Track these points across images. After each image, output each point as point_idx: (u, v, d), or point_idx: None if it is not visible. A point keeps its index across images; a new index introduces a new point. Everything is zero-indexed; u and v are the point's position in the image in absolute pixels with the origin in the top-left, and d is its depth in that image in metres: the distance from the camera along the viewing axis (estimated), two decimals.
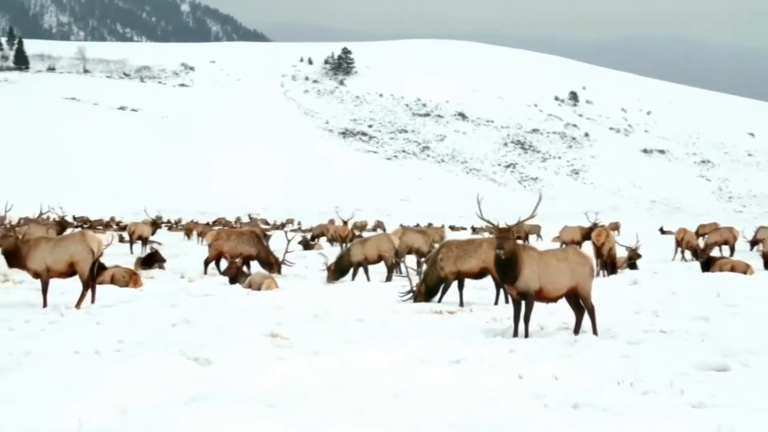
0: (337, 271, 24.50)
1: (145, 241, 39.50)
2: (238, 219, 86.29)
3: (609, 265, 27.56)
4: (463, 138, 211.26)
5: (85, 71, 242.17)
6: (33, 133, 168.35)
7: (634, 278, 24.68)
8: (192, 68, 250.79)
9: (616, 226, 63.80)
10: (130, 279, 20.82)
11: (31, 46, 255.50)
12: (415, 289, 19.35)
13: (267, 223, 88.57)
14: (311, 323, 14.94)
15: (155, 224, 41.75)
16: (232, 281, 22.29)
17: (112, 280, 20.74)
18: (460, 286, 19.38)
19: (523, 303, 13.92)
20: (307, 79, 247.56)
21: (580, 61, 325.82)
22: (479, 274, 19.30)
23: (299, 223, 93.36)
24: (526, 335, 13.85)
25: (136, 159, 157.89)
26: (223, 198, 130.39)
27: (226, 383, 9.40)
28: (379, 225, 75.56)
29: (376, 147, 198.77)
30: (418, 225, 77.82)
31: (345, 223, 39.47)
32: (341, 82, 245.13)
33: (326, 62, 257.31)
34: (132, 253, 36.57)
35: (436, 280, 19.28)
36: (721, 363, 10.89)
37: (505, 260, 13.64)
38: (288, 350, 11.68)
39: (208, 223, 72.81)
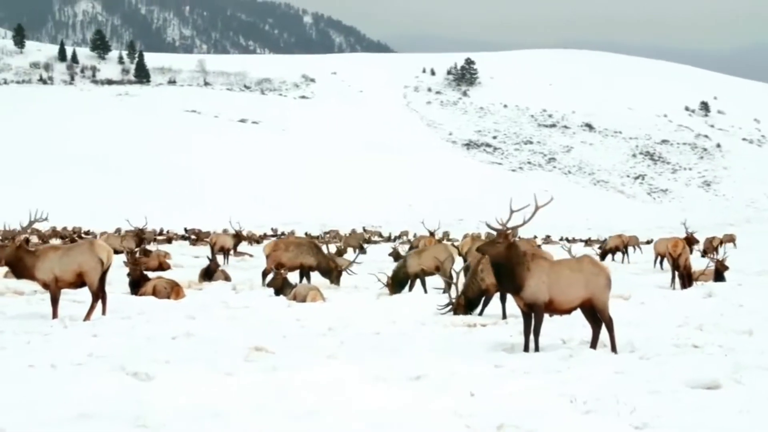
0: (395, 283, 23.61)
1: (227, 252, 39.58)
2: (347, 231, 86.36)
3: (685, 277, 26.48)
4: (590, 149, 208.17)
5: (206, 84, 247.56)
6: (154, 146, 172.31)
7: (710, 291, 23.31)
8: (313, 80, 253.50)
9: (731, 238, 61.53)
10: (171, 290, 20.53)
11: (151, 59, 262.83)
12: (455, 301, 18.60)
13: (381, 236, 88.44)
14: (316, 337, 14.44)
15: (238, 236, 41.76)
16: (278, 293, 21.88)
17: (154, 292, 20.49)
18: (503, 298, 18.45)
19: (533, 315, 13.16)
20: (429, 90, 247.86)
21: (711, 70, 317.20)
22: None
23: (414, 235, 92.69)
24: (537, 349, 13.06)
25: (256, 171, 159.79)
26: (344, 210, 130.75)
27: (139, 400, 8.88)
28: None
29: (501, 158, 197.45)
30: (535, 237, 76.78)
31: (432, 234, 38.77)
32: (465, 93, 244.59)
33: (449, 73, 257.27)
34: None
35: (477, 291, 18.49)
36: (713, 380, 10.04)
37: (500, 267, 13.00)
38: (250, 364, 11.12)
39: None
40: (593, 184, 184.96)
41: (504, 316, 18.16)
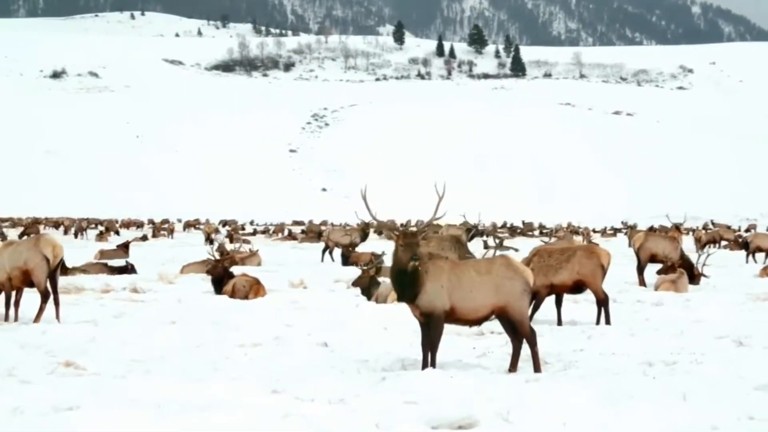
0: None
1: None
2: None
3: None
4: None
5: (581, 76, 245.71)
6: (527, 139, 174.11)
7: None
8: (690, 70, 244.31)
9: None
10: (250, 289, 19.71)
11: (527, 53, 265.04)
12: None
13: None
14: (266, 346, 13.18)
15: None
16: (365, 292, 20.58)
17: (233, 290, 19.77)
18: (557, 302, 16.49)
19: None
20: None
21: None
22: (574, 288, 16.31)
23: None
24: (433, 365, 11.00)
25: (633, 164, 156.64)
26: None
27: None
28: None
29: None
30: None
31: (677, 228, 35.15)
32: None
33: None
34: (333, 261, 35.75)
35: None
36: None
37: (401, 272, 11.07)
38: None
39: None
40: None
41: (559, 323, 16.26)
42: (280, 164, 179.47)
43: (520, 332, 11.16)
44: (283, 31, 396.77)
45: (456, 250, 24.40)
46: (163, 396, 8.91)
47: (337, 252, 35.33)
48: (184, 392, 9.11)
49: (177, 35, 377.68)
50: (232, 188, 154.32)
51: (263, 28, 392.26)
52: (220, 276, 20.65)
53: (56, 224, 74.89)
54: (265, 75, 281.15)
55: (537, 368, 11.13)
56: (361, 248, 35.09)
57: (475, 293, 11.05)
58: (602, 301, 16.07)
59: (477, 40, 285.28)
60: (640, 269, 24.02)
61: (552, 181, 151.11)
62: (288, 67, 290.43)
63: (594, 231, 72.63)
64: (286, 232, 66.99)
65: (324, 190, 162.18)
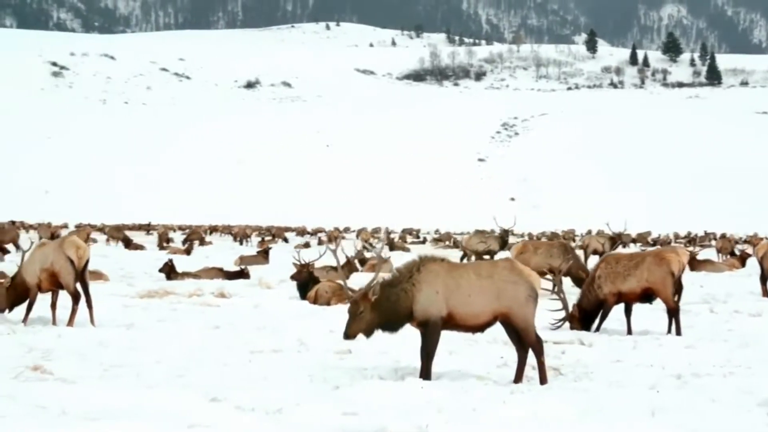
0: None
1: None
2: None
3: None
4: None
5: None
6: (720, 148, 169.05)
7: None
8: None
9: None
10: (333, 295, 19.30)
11: (723, 61, 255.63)
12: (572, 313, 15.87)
13: None
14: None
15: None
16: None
17: (315, 296, 19.41)
18: (627, 311, 15.60)
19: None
20: None
21: None
22: (643, 296, 15.37)
23: None
24: (427, 376, 10.39)
25: None
26: None
27: None
28: None
29: None
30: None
31: None
32: None
33: None
34: None
35: (594, 302, 15.59)
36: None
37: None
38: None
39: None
40: None
41: (629, 332, 15.41)
42: (468, 173, 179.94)
43: (525, 340, 10.50)
44: (476, 41, 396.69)
45: (563, 258, 23.64)
46: (78, 403, 8.77)
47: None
48: (110, 399, 8.92)
49: (371, 45, 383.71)
50: (417, 197, 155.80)
51: (456, 38, 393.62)
52: (304, 281, 20.50)
53: (229, 231, 77.60)
54: (456, 84, 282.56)
55: (543, 380, 10.49)
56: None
57: (474, 297, 10.41)
58: (672, 311, 15.16)
59: (672, 48, 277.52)
60: (763, 279, 22.66)
61: (752, 192, 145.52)
62: (479, 76, 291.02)
63: None
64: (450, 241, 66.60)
65: (512, 199, 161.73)
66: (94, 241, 52.66)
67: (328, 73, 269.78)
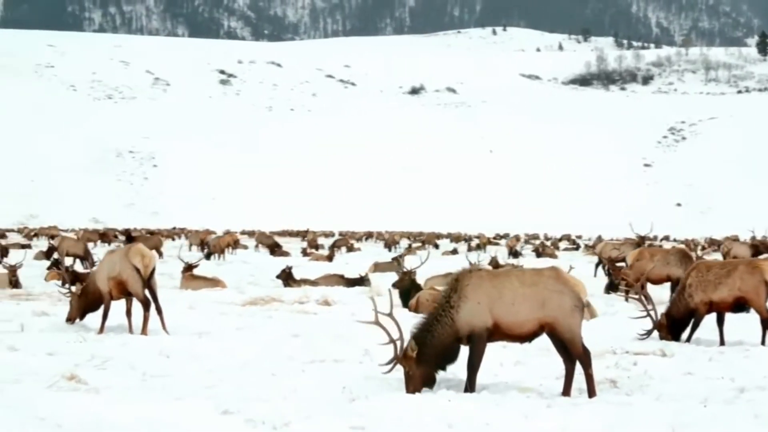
0: None
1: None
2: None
3: None
4: None
5: None
6: None
7: None
8: None
9: None
10: (434, 302, 19.10)
11: None
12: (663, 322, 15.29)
13: None
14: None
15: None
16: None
17: (417, 303, 18.64)
18: (719, 321, 15.04)
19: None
20: None
21: None
22: (735, 306, 14.85)
23: None
24: (472, 389, 10.32)
25: None
26: None
27: None
28: None
29: None
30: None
31: None
32: None
33: None
34: None
35: (684, 311, 15.00)
36: None
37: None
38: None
39: None
40: None
41: (722, 342, 14.90)
42: (634, 178, 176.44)
43: (571, 352, 10.32)
44: (645, 44, 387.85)
45: (682, 265, 22.81)
46: (83, 415, 8.78)
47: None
48: (122, 412, 8.91)
49: (537, 50, 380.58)
50: (580, 202, 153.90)
51: (624, 42, 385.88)
52: (406, 289, 20.12)
53: (383, 238, 78.33)
54: (622, 89, 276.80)
55: (591, 392, 10.28)
56: None
57: (518, 306, 10.28)
58: (766, 321, 14.51)
59: None
60: None
61: None
62: (646, 80, 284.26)
63: None
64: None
65: (678, 205, 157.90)
66: (245, 247, 53.98)
67: (493, 79, 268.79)
